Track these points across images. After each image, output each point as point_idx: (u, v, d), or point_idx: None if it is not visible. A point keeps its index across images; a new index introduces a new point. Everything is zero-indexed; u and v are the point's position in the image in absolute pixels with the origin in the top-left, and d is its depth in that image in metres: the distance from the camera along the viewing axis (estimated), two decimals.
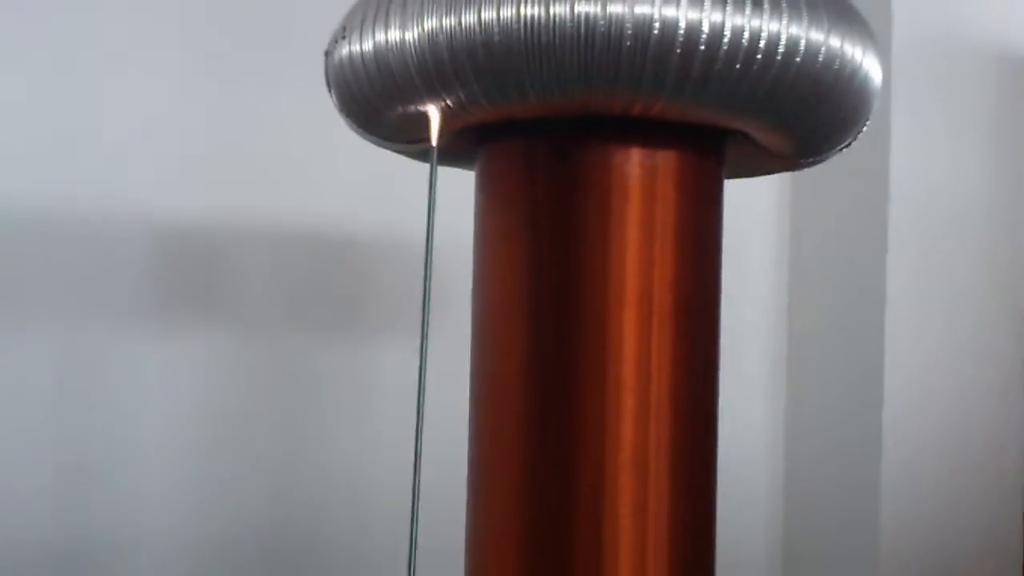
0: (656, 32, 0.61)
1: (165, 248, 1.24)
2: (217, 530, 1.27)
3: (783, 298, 1.54)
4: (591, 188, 0.70)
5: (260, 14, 1.27)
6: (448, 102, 0.66)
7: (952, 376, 1.39)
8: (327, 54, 0.75)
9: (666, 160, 0.70)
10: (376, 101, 0.70)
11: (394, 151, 0.80)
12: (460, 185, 1.22)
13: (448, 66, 0.65)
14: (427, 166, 1.29)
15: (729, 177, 0.75)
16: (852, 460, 1.40)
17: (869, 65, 0.67)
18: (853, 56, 0.66)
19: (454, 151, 0.76)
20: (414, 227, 1.30)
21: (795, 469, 1.51)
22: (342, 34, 0.72)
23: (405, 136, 0.73)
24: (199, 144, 1.24)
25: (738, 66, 0.62)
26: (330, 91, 0.76)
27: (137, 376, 1.23)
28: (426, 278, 0.70)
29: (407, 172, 1.29)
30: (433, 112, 0.66)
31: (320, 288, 1.32)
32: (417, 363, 1.31)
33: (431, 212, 0.69)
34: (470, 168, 0.78)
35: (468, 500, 0.75)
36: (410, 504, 1.28)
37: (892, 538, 1.37)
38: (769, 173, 0.81)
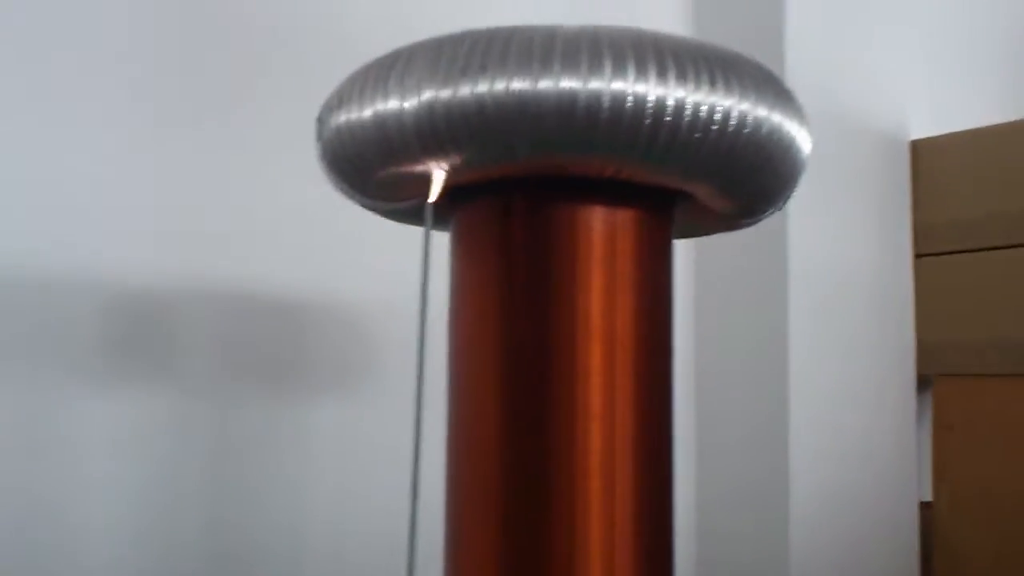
0: (629, 105, 0.71)
1: (110, 305, 1.28)
2: None
3: (690, 350, 1.65)
4: (560, 240, 0.79)
5: (221, 66, 1.33)
6: (444, 164, 0.75)
7: (850, 412, 1.52)
8: (320, 120, 0.83)
9: (625, 218, 0.80)
10: (372, 164, 0.79)
11: (379, 211, 0.89)
12: (402, 255, 1.31)
13: (445, 133, 0.74)
14: (375, 231, 1.37)
15: (675, 237, 0.86)
16: (762, 490, 1.51)
17: (802, 139, 0.79)
18: (790, 130, 0.77)
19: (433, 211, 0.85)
20: (353, 291, 1.40)
21: (706, 495, 1.61)
22: (338, 103, 0.81)
23: (396, 196, 0.82)
24: (146, 199, 1.29)
25: (697, 135, 0.73)
26: (321, 155, 0.84)
27: (79, 433, 1.26)
28: (422, 323, 0.78)
29: (354, 236, 1.38)
30: (437, 172, 0.75)
31: (261, 351, 1.37)
32: (353, 424, 1.38)
33: (426, 264, 0.78)
34: (441, 229, 0.87)
35: (446, 511, 0.82)
36: (345, 562, 1.34)
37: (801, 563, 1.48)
38: (707, 234, 0.92)
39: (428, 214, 0.76)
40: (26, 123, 1.22)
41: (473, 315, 0.82)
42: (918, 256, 1.57)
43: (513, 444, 0.79)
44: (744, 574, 1.53)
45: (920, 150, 1.58)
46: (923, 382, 1.61)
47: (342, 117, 0.80)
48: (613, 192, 0.79)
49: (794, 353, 1.49)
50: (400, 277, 1.38)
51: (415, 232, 1.26)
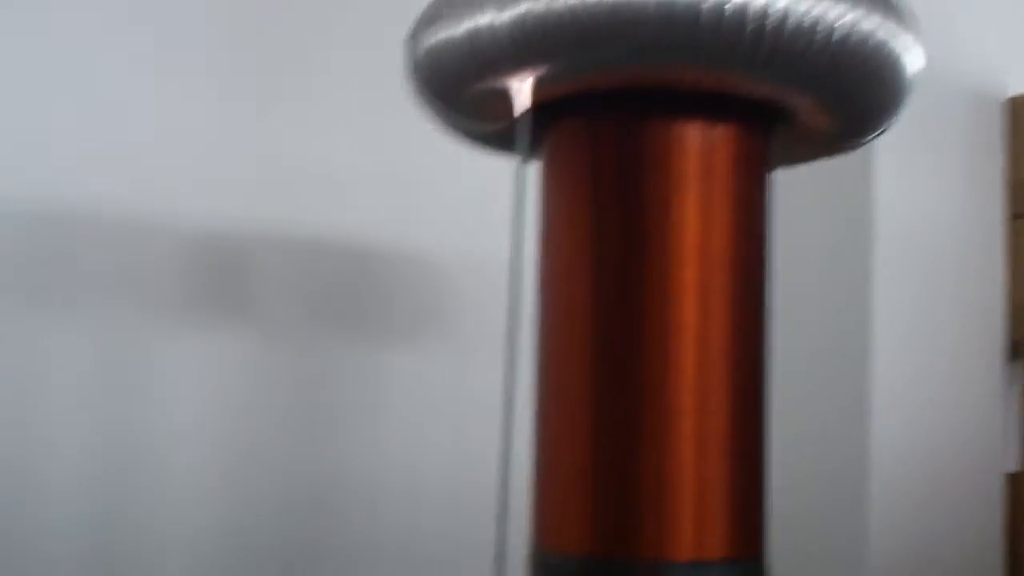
0: (730, 10, 0.69)
1: (198, 252, 1.30)
2: (234, 524, 1.31)
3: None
4: (654, 156, 0.77)
5: (298, 16, 1.34)
6: (538, 75, 0.74)
7: (934, 376, 1.48)
8: (411, 39, 0.82)
9: (722, 134, 0.78)
10: (466, 79, 0.78)
11: (470, 134, 0.87)
12: (479, 204, 1.29)
13: (539, 43, 0.72)
14: (452, 180, 1.37)
15: (773, 167, 0.84)
16: (841, 457, 1.48)
17: (910, 57, 0.76)
18: (898, 45, 0.74)
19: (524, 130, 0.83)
20: (430, 240, 1.39)
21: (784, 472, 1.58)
22: (430, 20, 0.80)
23: (488, 114, 0.81)
24: (234, 148, 1.30)
25: (801, 43, 0.70)
26: (412, 75, 0.83)
27: (165, 374, 1.28)
28: (515, 250, 0.77)
29: (431, 185, 1.38)
30: (529, 83, 0.73)
31: (338, 297, 1.37)
32: (425, 372, 1.38)
33: (521, 185, 0.77)
34: (531, 157, 0.85)
35: (534, 444, 0.81)
36: (421, 509, 1.34)
37: (880, 545, 1.45)
38: (805, 160, 0.89)
39: (523, 124, 0.75)
40: (118, 76, 1.24)
41: (564, 238, 0.81)
42: (1015, 216, 1.53)
43: (605, 366, 0.77)
44: (823, 544, 1.49)
45: (1018, 107, 1.53)
46: (1016, 348, 1.56)
47: (434, 34, 0.78)
48: (710, 107, 0.77)
49: (877, 315, 1.45)
50: (477, 226, 1.38)
51: (491, 181, 1.26)
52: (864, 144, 0.84)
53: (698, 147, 0.77)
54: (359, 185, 1.35)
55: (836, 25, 0.71)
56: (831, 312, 1.50)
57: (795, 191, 0.98)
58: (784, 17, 0.70)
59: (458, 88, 0.79)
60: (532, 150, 0.84)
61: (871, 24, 0.72)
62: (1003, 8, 1.58)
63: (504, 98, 0.77)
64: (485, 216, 1.26)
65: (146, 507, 1.26)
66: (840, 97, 0.75)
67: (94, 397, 1.24)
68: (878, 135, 0.82)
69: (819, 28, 0.71)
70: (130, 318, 1.26)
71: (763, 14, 0.70)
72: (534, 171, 0.84)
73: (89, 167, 1.23)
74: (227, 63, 1.30)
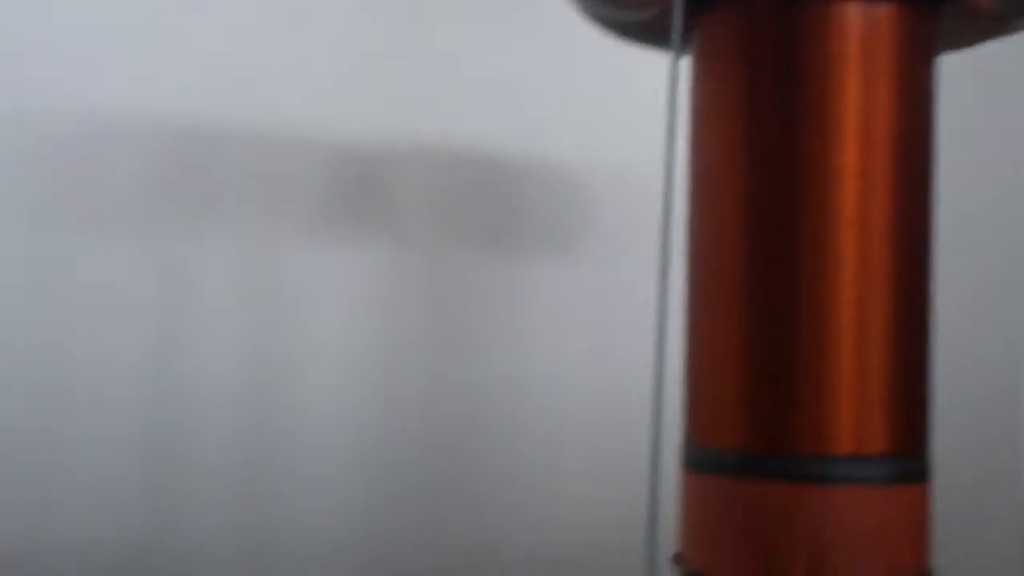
0: None
1: (336, 164, 1.30)
2: (376, 436, 1.33)
3: None
4: (811, 39, 0.74)
5: None
6: None
7: None
8: None
9: (885, 14, 0.74)
10: None
11: (619, 21, 0.85)
12: (621, 114, 1.27)
13: None
14: (592, 89, 1.34)
15: (937, 51, 0.79)
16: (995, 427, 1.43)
17: None
18: None
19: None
20: (568, 148, 1.38)
21: None
22: None
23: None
24: (371, 59, 1.30)
25: None
26: None
27: (304, 286, 1.29)
28: (667, 163, 0.75)
29: (572, 94, 1.36)
30: None
31: (479, 207, 1.37)
32: (565, 282, 1.37)
33: (674, 80, 0.75)
34: (682, 51, 0.82)
35: (688, 340, 0.79)
36: (565, 419, 1.34)
37: None
38: (970, 44, 0.85)
39: (677, 7, 0.72)
40: None
41: (717, 128, 0.78)
42: None
43: (761, 258, 0.75)
44: (982, 443, 1.45)
45: None
46: None
47: None
48: None
49: None
50: (614, 132, 1.36)
51: (628, 83, 1.23)
52: None
53: (859, 26, 0.74)
54: (497, 93, 1.34)
55: None
56: (995, 223, 1.45)
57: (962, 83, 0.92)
58: None
59: None
60: (684, 40, 0.81)
61: None
62: None
63: None
64: (623, 122, 1.24)
65: (289, 418, 1.28)
66: None
67: (236, 309, 1.26)
68: None
69: None
70: (269, 231, 1.28)
71: None
72: (679, 67, 0.82)
73: (225, 81, 1.24)
74: None
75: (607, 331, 1.38)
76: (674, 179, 0.77)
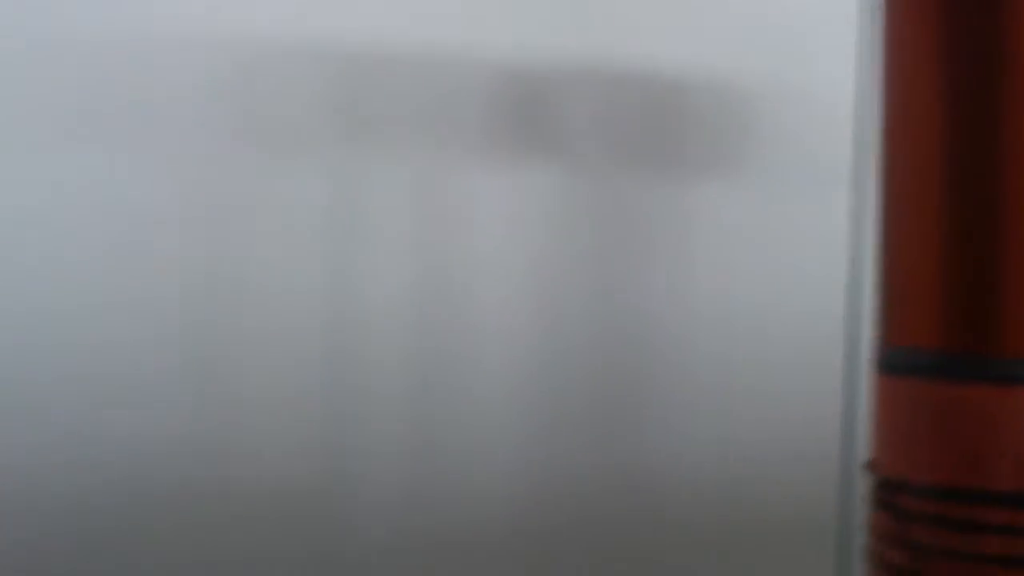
0: None
1: (503, 84, 1.29)
2: (543, 356, 1.32)
3: None
4: None
5: None
6: None
7: None
8: None
9: None
10: None
11: None
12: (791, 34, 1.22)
13: None
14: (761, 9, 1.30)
15: None
16: None
17: None
18: None
19: None
20: (737, 68, 1.34)
21: None
22: None
23: None
24: None
25: None
26: None
27: (472, 207, 1.29)
28: (858, 86, 0.71)
29: (737, 11, 1.33)
30: None
31: (646, 128, 1.35)
32: (733, 202, 1.34)
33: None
34: None
35: (882, 245, 0.76)
36: (730, 340, 1.32)
37: None
38: None
39: None
40: None
41: (914, 27, 0.74)
42: None
43: (960, 148, 0.71)
44: None
45: None
46: None
47: None
48: None
49: None
50: (788, 55, 1.32)
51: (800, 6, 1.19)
52: None
53: None
54: (665, 10, 1.31)
55: None
56: None
57: None
58: None
59: None
60: None
61: None
62: None
63: None
64: (792, 39, 1.20)
65: (457, 339, 1.29)
66: None
67: (405, 232, 1.27)
68: None
69: None
70: (438, 153, 1.28)
71: None
72: None
73: (393, 2, 1.24)
74: None
75: (776, 250, 1.34)
76: (866, 103, 0.74)
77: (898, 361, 0.73)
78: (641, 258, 1.33)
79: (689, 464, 1.33)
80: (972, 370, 0.70)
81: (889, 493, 0.74)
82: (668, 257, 1.34)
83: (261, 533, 1.24)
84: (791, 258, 1.29)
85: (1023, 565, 0.69)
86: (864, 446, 0.79)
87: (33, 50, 1.18)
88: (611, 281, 1.32)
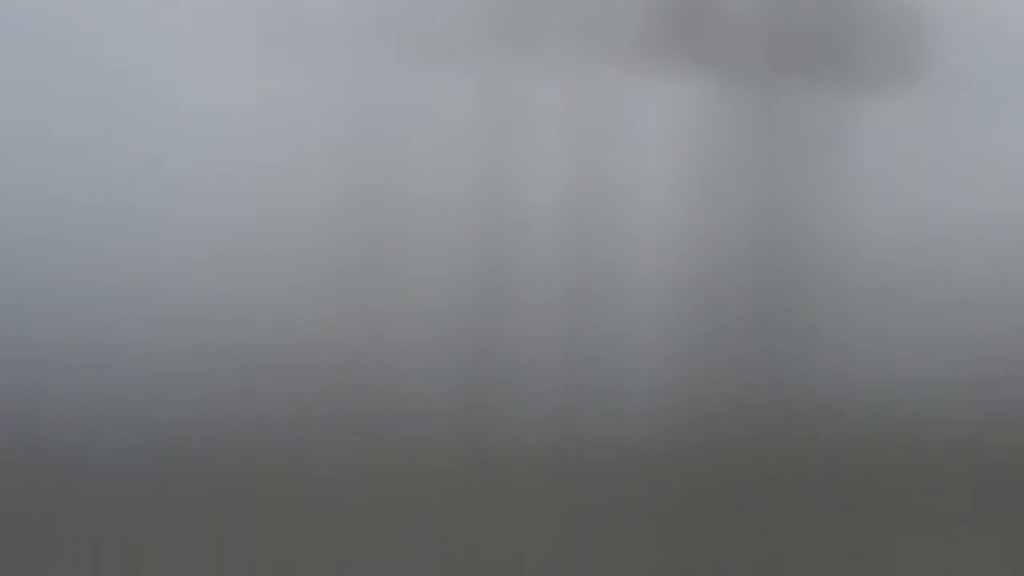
0: None
1: None
2: (699, 266, 1.29)
3: None
4: None
5: None
6: None
7: None
8: None
9: None
10: None
11: None
12: None
13: None
14: None
15: None
16: None
17: None
18: None
19: None
20: None
21: None
22: None
23: None
24: None
25: None
26: None
27: (631, 118, 1.27)
28: None
29: None
30: None
31: (806, 39, 1.30)
32: (907, 119, 1.29)
33: None
34: None
35: None
36: (894, 262, 1.27)
37: None
38: None
39: None
40: None
41: None
42: None
43: None
44: None
45: None
46: None
47: None
48: None
49: None
50: None
51: None
52: None
53: None
54: None
55: None
56: None
57: None
58: None
59: None
60: None
61: None
62: None
63: None
64: None
65: (614, 248, 1.27)
66: None
67: (562, 140, 1.25)
68: None
69: None
70: (596, 62, 1.26)
71: None
72: None
73: None
74: None
75: (944, 168, 1.29)
76: None
77: None
78: (804, 172, 1.28)
79: (851, 391, 1.28)
80: None
81: None
82: (832, 173, 1.30)
83: (408, 445, 1.24)
84: (970, 186, 1.24)
85: None
86: None
87: None
88: (772, 194, 1.28)
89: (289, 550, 1.18)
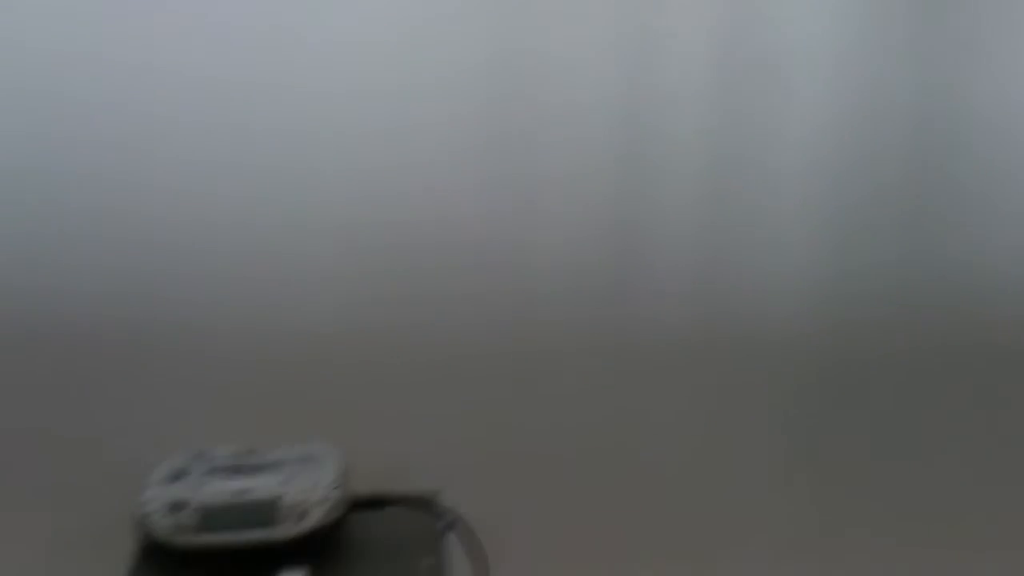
0: None
1: None
2: (854, 139, 1.23)
3: None
4: None
5: None
6: None
7: None
8: None
9: None
10: None
11: None
12: None
13: None
14: None
15: None
16: None
17: None
18: None
19: None
20: None
21: None
22: None
23: None
24: None
25: None
26: None
27: None
28: None
29: None
30: None
31: None
32: None
33: None
34: None
35: None
36: None
37: None
38: None
39: None
40: None
41: None
42: None
43: None
44: None
45: None
46: None
47: None
48: None
49: None
50: None
51: None
52: None
53: None
54: None
55: None
56: None
57: None
58: None
59: None
60: None
61: None
62: None
63: None
64: None
65: (765, 116, 1.23)
66: None
67: (714, 10, 1.20)
68: None
69: None
70: None
71: None
72: None
73: None
74: None
75: None
76: None
77: None
78: (968, 56, 1.23)
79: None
80: None
81: None
82: (998, 58, 1.24)
83: (552, 306, 1.22)
84: None
85: None
86: None
87: None
88: (933, 69, 1.23)
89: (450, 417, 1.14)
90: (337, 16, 1.15)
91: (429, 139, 1.19)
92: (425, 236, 1.20)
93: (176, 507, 0.89)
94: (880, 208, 1.25)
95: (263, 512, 0.88)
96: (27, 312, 1.13)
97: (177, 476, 0.95)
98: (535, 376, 1.18)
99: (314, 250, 1.18)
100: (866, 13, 1.22)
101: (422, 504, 1.00)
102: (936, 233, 1.25)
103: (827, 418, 1.24)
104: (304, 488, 0.91)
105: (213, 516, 0.88)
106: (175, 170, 1.15)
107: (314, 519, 0.89)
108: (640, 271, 1.22)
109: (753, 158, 1.23)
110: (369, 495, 0.97)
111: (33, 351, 1.13)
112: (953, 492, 1.07)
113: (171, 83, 1.12)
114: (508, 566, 0.95)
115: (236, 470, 0.95)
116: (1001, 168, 1.25)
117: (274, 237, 1.18)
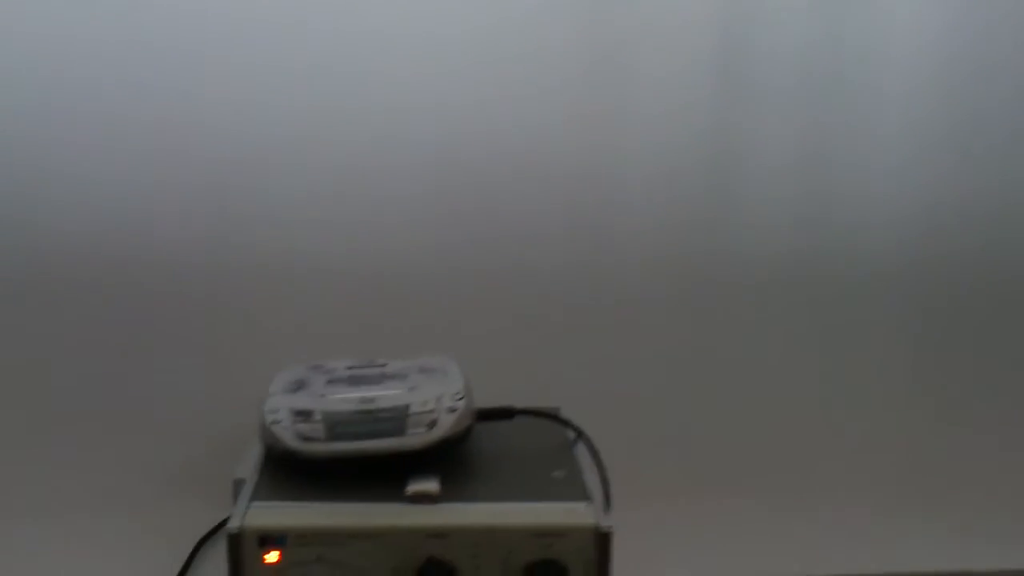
0: None
1: None
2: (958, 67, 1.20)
3: None
4: None
5: None
6: None
7: None
8: None
9: None
10: None
11: None
12: None
13: None
14: None
15: None
16: None
17: None
18: None
19: None
20: None
21: None
22: None
23: None
24: None
25: None
26: None
27: None
28: None
29: None
30: None
31: None
32: None
33: None
34: None
35: None
36: None
37: None
38: None
39: None
40: None
41: None
42: None
43: None
44: None
45: None
46: None
47: None
48: None
49: None
50: None
51: None
52: None
53: None
54: None
55: None
56: None
57: None
58: None
59: None
60: None
61: None
62: None
63: None
64: None
65: (861, 35, 1.19)
66: None
67: None
68: None
69: None
70: None
71: None
72: None
73: None
74: None
75: None
76: None
77: None
78: None
79: None
80: None
81: None
82: None
83: (646, 248, 1.19)
84: None
85: None
86: None
87: None
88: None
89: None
90: None
91: (522, 72, 1.16)
92: (516, 171, 1.17)
93: (302, 416, 0.86)
94: (985, 133, 1.21)
95: (392, 421, 0.86)
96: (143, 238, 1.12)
97: (298, 387, 0.93)
98: (620, 306, 1.17)
99: (408, 185, 1.15)
100: None
101: (549, 416, 0.98)
102: None
103: (944, 344, 1.22)
104: (431, 397, 0.88)
105: (341, 425, 0.85)
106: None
107: (444, 427, 0.86)
108: (736, 200, 1.19)
109: (854, 79, 1.19)
110: (496, 406, 0.94)
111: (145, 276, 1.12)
112: None
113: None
114: (627, 485, 0.93)
115: (357, 380, 0.93)
116: None
117: (368, 170, 1.16)
